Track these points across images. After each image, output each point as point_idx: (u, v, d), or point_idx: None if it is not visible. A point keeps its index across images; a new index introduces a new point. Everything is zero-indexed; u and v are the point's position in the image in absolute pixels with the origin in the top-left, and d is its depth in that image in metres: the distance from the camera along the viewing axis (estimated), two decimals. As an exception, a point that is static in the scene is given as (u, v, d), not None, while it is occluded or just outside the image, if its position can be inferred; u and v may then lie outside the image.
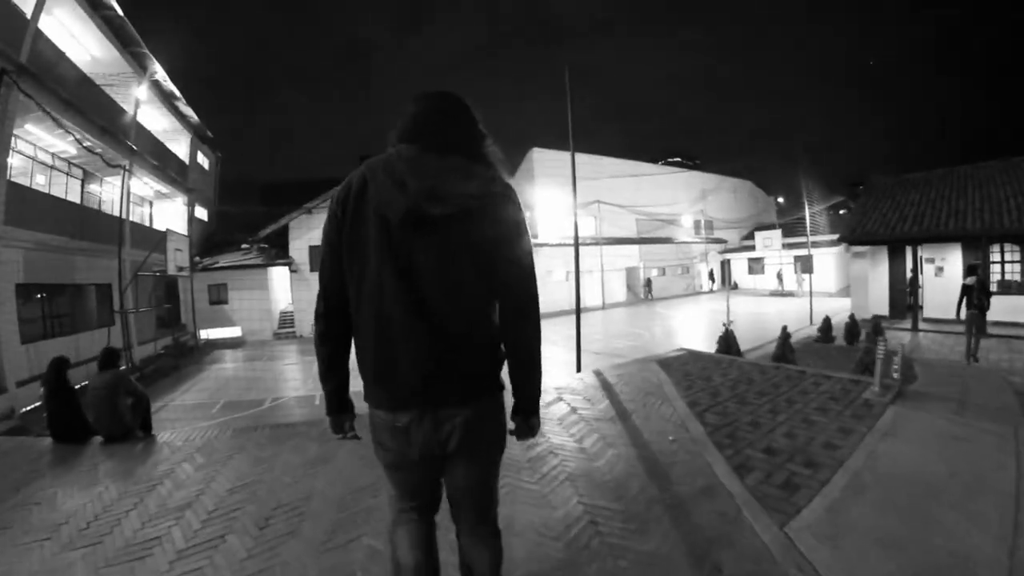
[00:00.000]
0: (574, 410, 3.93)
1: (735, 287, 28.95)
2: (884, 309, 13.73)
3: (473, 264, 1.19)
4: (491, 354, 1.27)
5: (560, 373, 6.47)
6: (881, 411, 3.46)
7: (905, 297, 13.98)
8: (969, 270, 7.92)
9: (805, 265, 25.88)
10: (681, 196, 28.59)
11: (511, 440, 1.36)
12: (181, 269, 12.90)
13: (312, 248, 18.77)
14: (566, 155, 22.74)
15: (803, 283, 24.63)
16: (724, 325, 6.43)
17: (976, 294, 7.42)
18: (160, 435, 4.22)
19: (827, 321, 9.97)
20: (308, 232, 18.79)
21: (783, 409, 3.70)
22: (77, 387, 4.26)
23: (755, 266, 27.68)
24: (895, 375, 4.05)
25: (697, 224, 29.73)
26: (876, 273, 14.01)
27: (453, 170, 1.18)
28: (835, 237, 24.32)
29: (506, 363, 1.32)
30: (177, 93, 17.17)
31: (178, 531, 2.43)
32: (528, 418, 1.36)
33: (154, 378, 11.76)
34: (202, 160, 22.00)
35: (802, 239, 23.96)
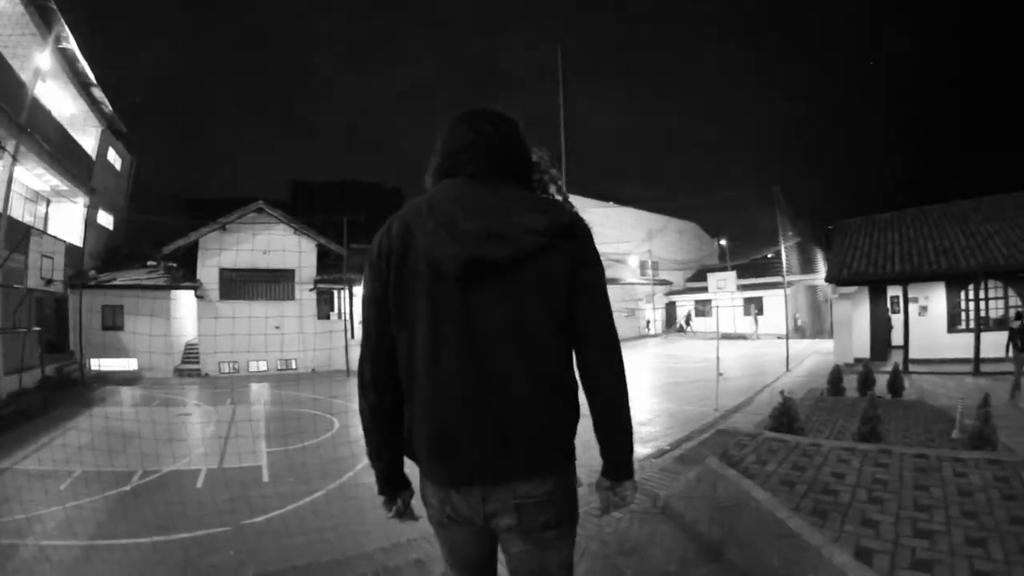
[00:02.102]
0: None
1: (681, 329, 28.47)
2: (865, 352, 13.32)
3: (548, 314, 0.96)
4: (568, 418, 1.03)
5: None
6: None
7: (887, 339, 13.67)
8: (1017, 315, 8.39)
9: (758, 307, 26.36)
10: (628, 235, 27.64)
11: None
12: (50, 282, 10.00)
13: (222, 271, 16.30)
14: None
15: (759, 325, 24.61)
16: (781, 393, 4.79)
17: (1022, 337, 7.90)
18: None
19: (837, 371, 8.76)
20: (221, 253, 16.30)
21: (976, 535, 2.24)
22: None
23: (702, 308, 27.46)
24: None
25: (643, 265, 29.06)
26: (858, 315, 13.69)
27: (512, 202, 0.98)
28: (795, 279, 24.48)
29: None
30: (91, 75, 14.81)
31: None
32: (620, 482, 1.08)
33: (15, 422, 8.70)
34: (113, 159, 18.85)
35: (752, 280, 24.03)
